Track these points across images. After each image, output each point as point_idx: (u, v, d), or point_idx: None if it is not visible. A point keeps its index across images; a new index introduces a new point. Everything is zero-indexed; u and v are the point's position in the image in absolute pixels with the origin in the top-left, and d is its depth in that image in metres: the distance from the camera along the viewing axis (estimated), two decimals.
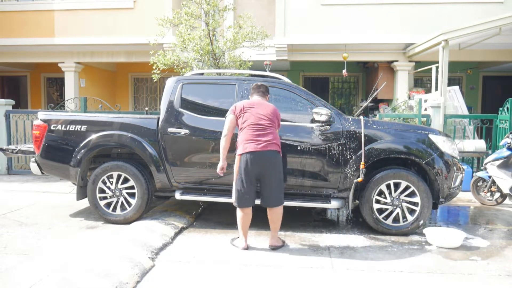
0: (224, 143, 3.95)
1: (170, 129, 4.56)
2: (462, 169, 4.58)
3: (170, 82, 4.75)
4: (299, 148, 4.39)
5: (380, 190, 4.37)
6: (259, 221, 4.54)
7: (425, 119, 6.94)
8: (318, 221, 5.04)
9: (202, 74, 5.17)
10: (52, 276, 3.15)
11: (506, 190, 5.47)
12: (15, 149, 5.44)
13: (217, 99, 4.69)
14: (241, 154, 3.82)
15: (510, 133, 5.61)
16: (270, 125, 3.85)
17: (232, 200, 3.96)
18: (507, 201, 5.88)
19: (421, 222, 4.34)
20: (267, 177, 3.84)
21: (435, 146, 4.41)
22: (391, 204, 4.38)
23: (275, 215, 3.91)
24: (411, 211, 4.39)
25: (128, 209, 4.66)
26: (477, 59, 9.37)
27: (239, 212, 3.92)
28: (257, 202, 4.01)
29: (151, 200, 4.78)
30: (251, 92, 4.16)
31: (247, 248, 3.91)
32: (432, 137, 4.47)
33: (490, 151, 6.69)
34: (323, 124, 4.37)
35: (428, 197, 4.31)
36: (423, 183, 4.31)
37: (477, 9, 8.14)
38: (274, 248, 3.90)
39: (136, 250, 3.61)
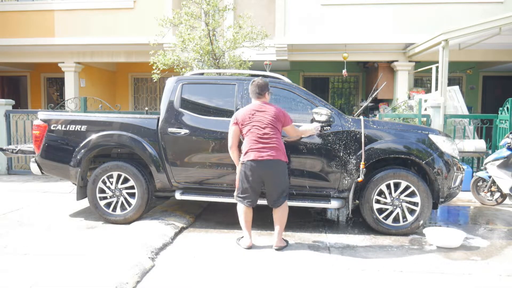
0: (233, 154, 4.03)
1: (170, 129, 4.56)
2: (462, 169, 4.58)
3: (170, 82, 4.74)
4: (299, 148, 4.38)
5: (380, 190, 4.38)
6: (260, 221, 4.56)
7: (425, 119, 6.94)
8: (318, 221, 5.04)
9: (202, 74, 5.17)
10: (52, 276, 3.15)
11: (506, 190, 5.47)
12: (15, 149, 5.43)
13: (217, 99, 4.69)
14: (243, 162, 3.87)
15: (510, 133, 5.61)
16: (273, 132, 3.85)
17: (234, 197, 4.04)
18: (507, 201, 5.88)
19: (421, 222, 4.34)
20: (271, 182, 3.88)
21: (435, 146, 4.41)
22: (391, 204, 4.38)
23: (280, 213, 3.94)
24: (411, 211, 4.39)
25: (128, 209, 4.67)
26: (477, 59, 9.37)
27: (240, 206, 3.98)
28: (262, 202, 4.06)
29: (151, 200, 4.78)
30: (250, 95, 4.07)
31: (251, 246, 3.91)
32: (432, 137, 4.47)
33: (490, 151, 6.69)
34: (323, 124, 4.37)
35: (428, 197, 4.31)
36: (423, 183, 4.31)
37: (477, 9, 8.14)
38: (279, 249, 3.88)
39: (136, 250, 3.61)
